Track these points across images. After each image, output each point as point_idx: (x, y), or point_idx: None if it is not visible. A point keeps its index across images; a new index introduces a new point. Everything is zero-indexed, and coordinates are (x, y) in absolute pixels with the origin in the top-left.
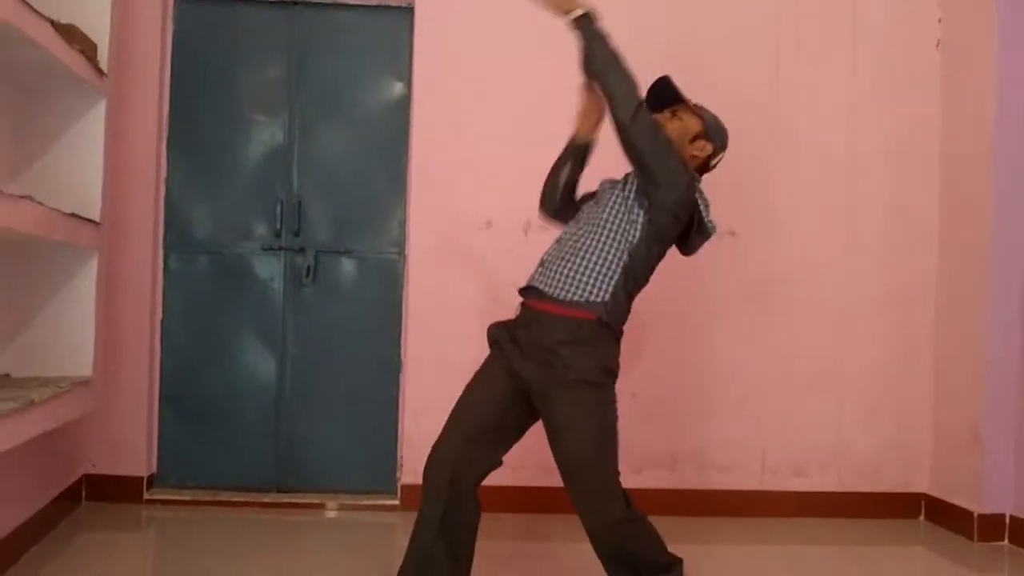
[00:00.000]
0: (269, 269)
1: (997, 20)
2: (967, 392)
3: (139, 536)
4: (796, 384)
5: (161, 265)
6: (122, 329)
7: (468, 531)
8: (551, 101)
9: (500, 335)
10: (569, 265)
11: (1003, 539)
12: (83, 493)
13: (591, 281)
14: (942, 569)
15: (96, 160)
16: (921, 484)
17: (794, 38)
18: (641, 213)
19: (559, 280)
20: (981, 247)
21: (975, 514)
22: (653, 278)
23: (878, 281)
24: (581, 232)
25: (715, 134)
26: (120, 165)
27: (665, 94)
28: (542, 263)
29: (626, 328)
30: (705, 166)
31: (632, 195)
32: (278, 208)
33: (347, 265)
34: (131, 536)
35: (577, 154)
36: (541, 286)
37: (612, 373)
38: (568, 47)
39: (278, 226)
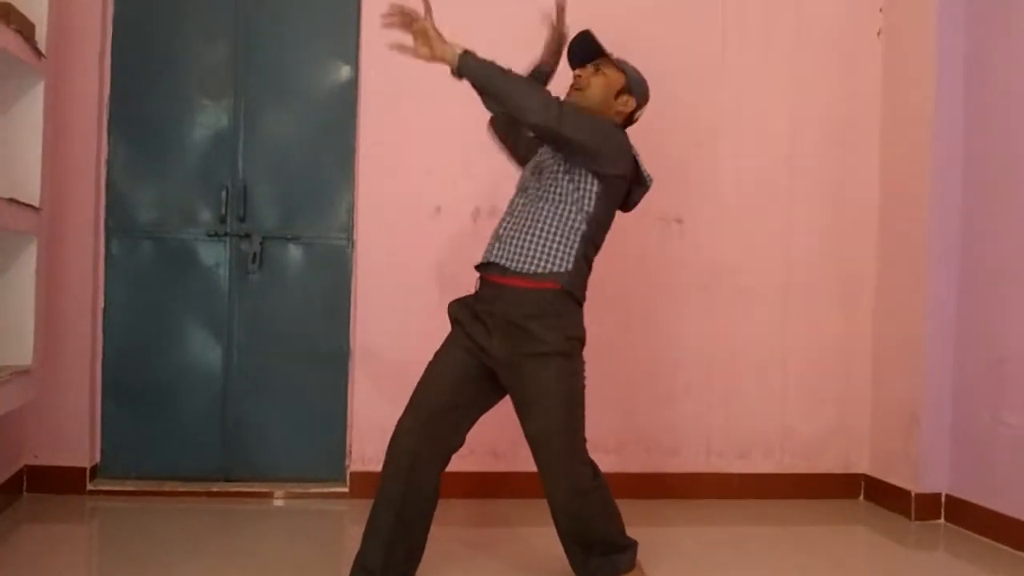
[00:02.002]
0: (214, 255)
1: (936, 9)
2: (905, 376)
3: (82, 528)
4: (741, 369)
5: (103, 251)
6: (63, 317)
7: (425, 515)
8: None
9: (461, 313)
10: (528, 237)
11: (939, 517)
12: (24, 485)
13: (552, 252)
14: (881, 547)
15: (34, 143)
16: (861, 465)
17: (739, 26)
18: (595, 182)
19: (520, 253)
20: (919, 232)
21: (912, 493)
22: (600, 266)
23: (819, 267)
24: (533, 203)
25: (637, 88)
26: (59, 148)
27: (587, 48)
28: (498, 237)
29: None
30: (629, 120)
31: (569, 169)
32: (223, 193)
33: (294, 251)
34: (74, 528)
35: (539, 79)
36: (502, 261)
37: (580, 341)
38: (518, 30)
39: (223, 211)
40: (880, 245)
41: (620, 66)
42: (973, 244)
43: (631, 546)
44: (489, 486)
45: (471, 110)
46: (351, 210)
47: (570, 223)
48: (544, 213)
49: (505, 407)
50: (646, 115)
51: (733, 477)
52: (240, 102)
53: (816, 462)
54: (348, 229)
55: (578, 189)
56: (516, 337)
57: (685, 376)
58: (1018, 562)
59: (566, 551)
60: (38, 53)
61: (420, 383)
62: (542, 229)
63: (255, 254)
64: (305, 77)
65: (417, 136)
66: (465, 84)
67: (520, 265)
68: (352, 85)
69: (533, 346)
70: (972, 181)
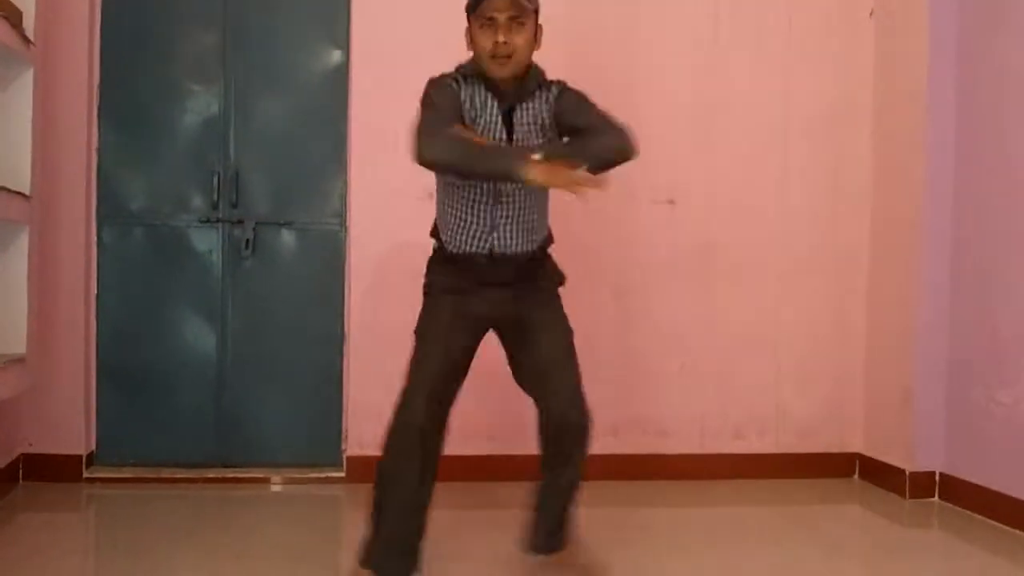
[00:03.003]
0: (207, 242)
1: None
2: (899, 355)
3: (79, 515)
4: (734, 349)
5: (95, 239)
6: (56, 305)
7: (432, 483)
8: None
9: (460, 284)
10: (526, 226)
11: (933, 495)
12: (20, 473)
13: (541, 229)
14: (875, 525)
15: (24, 131)
16: (855, 444)
17: (732, 6)
18: None
19: (520, 241)
20: (912, 212)
21: (907, 472)
22: (593, 248)
23: (812, 247)
24: (524, 189)
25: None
26: (50, 136)
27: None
28: (494, 226)
29: (565, 298)
30: None
31: (550, 138)
32: (215, 179)
33: (287, 237)
34: (71, 515)
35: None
36: (504, 250)
37: (563, 280)
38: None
39: (215, 198)
40: (874, 226)
41: (532, 4)
42: (966, 224)
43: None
44: (485, 469)
45: None
46: (344, 195)
47: (547, 201)
48: (536, 201)
49: (499, 393)
50: (636, 95)
51: (728, 458)
52: (231, 87)
53: (811, 442)
54: (341, 214)
55: None
56: (520, 281)
57: (679, 357)
58: (1012, 539)
59: (541, 512)
60: (26, 40)
61: (421, 359)
62: (536, 215)
63: (248, 240)
64: (296, 62)
65: (409, 120)
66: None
67: (520, 248)
68: (343, 69)
69: (538, 284)
70: (965, 161)
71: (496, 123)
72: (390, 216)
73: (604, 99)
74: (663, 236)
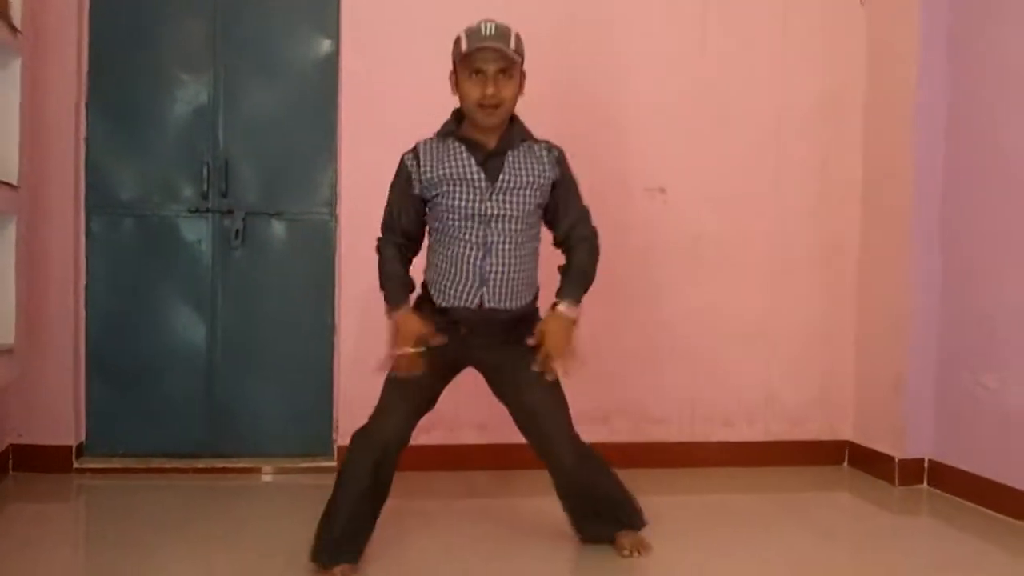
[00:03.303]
0: (196, 232)
1: None
2: (889, 343)
3: (69, 506)
4: (725, 338)
5: (83, 229)
6: (45, 295)
7: (384, 497)
8: None
9: (445, 327)
10: (517, 282)
11: (922, 482)
12: (10, 464)
13: (531, 285)
14: (865, 512)
15: (12, 121)
16: (845, 432)
17: None
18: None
19: (510, 296)
20: (902, 201)
21: (896, 459)
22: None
23: (804, 236)
24: (514, 243)
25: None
26: (38, 126)
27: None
28: (484, 281)
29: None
30: None
31: (546, 201)
32: (204, 169)
33: (277, 227)
34: (61, 506)
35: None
36: (493, 304)
37: None
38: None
39: (205, 187)
40: (864, 215)
41: (520, 56)
42: (956, 214)
43: (638, 507)
44: (475, 458)
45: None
46: (334, 185)
47: (536, 255)
48: (526, 253)
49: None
50: (626, 85)
51: (718, 445)
52: (220, 77)
53: (801, 429)
54: (331, 204)
55: (537, 224)
56: (506, 334)
57: (670, 346)
58: (1000, 525)
59: (579, 526)
60: (13, 29)
61: (395, 391)
62: (526, 271)
63: (238, 230)
64: (285, 50)
65: (399, 109)
66: (442, 61)
67: (511, 304)
68: (333, 58)
69: (521, 335)
70: (955, 151)
71: (475, 174)
72: (381, 206)
73: (595, 89)
74: (655, 223)
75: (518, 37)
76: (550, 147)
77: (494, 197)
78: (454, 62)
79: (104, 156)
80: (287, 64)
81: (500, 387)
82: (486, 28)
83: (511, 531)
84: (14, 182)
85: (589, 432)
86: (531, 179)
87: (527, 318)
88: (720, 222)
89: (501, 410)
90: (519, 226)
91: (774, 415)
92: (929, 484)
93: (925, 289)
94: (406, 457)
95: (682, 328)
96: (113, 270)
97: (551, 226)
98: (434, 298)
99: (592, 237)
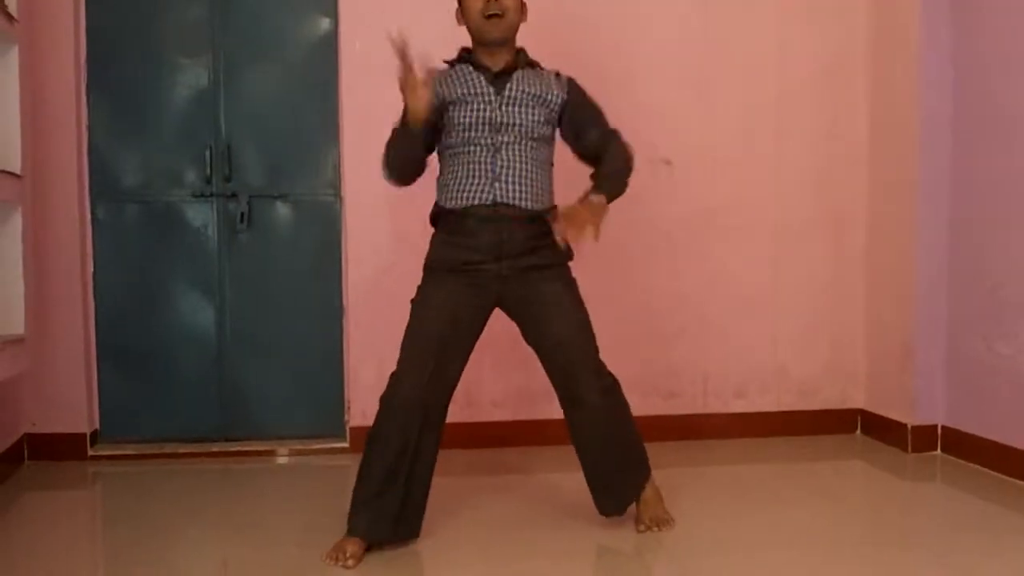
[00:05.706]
0: (202, 216)
1: None
2: (898, 310)
3: (85, 493)
4: (735, 308)
5: (89, 216)
6: (53, 284)
7: (426, 439)
8: None
9: (463, 257)
10: (528, 180)
11: (935, 449)
12: (25, 453)
13: (547, 191)
14: (878, 479)
15: (12, 110)
16: (857, 400)
17: None
18: (554, 131)
19: (522, 193)
20: (909, 168)
21: (908, 426)
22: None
23: (810, 205)
24: (524, 147)
25: None
26: (38, 114)
27: None
28: (496, 176)
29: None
30: None
31: (555, 120)
32: (207, 153)
33: (282, 209)
34: (77, 494)
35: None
36: (509, 200)
37: (571, 255)
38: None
39: (208, 172)
40: (871, 180)
41: None
42: (963, 176)
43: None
44: (495, 436)
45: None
46: (337, 165)
47: (551, 163)
48: (540, 156)
49: (501, 357)
50: (629, 55)
51: (730, 417)
52: (219, 59)
53: (812, 399)
54: (335, 185)
55: (551, 136)
56: (528, 256)
57: (679, 318)
58: (1015, 489)
59: (597, 495)
60: (10, 17)
61: (420, 337)
62: (539, 172)
63: (243, 213)
64: (283, 31)
65: (399, 89)
66: (445, 33)
67: (527, 204)
68: (332, 37)
69: (547, 259)
70: (961, 111)
71: (484, 88)
72: (385, 185)
73: (597, 59)
74: (661, 195)
75: None
76: (559, 73)
77: (502, 107)
78: None
79: (106, 142)
80: (286, 44)
81: (526, 323)
82: None
83: (529, 507)
84: (18, 171)
85: None
86: (538, 93)
87: (543, 230)
88: (726, 191)
89: (512, 388)
90: (528, 135)
91: (786, 385)
92: (942, 450)
93: (934, 254)
94: None
95: (690, 299)
96: (120, 257)
97: (578, 141)
98: (449, 204)
99: (627, 147)
